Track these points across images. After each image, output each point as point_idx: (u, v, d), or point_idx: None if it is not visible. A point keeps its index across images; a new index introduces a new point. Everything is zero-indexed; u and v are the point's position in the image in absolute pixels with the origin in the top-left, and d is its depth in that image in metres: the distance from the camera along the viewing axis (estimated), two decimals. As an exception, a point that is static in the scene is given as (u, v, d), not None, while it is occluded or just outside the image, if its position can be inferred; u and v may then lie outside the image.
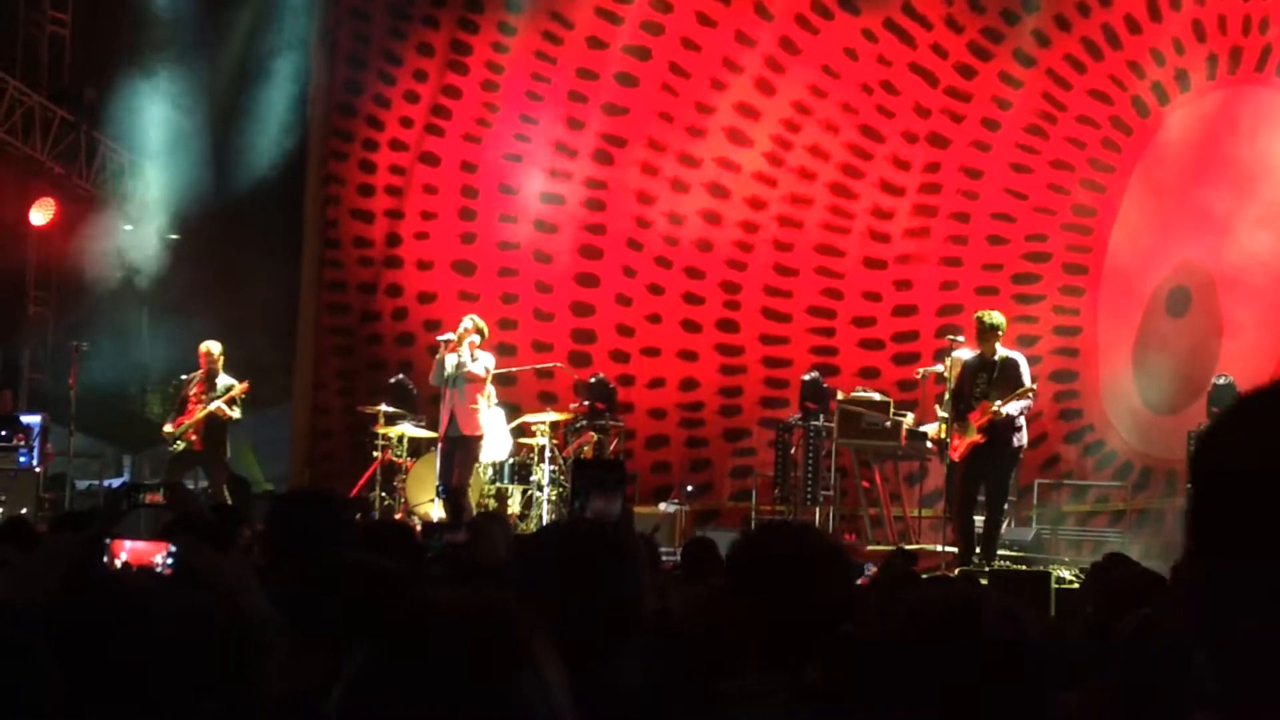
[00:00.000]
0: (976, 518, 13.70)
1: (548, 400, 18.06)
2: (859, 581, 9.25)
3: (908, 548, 14.22)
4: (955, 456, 13.76)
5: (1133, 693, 4.34)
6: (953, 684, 2.05)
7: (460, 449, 15.22)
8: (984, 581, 11.11)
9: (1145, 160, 17.44)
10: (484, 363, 15.27)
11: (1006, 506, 14.46)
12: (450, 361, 15.20)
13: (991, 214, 18.17)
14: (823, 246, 18.87)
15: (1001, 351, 13.58)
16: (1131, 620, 4.45)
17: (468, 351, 15.11)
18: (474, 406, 15.22)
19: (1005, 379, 13.43)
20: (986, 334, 13.60)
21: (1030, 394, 13.46)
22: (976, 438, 13.44)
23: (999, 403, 13.26)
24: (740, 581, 3.54)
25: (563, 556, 3.03)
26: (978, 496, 13.67)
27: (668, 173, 19.34)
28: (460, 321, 15.34)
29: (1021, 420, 13.53)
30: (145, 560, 5.81)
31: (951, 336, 14.28)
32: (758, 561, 3.53)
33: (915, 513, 16.48)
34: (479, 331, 15.21)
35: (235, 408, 15.66)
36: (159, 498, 10.47)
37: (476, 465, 15.58)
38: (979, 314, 13.90)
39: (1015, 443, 13.52)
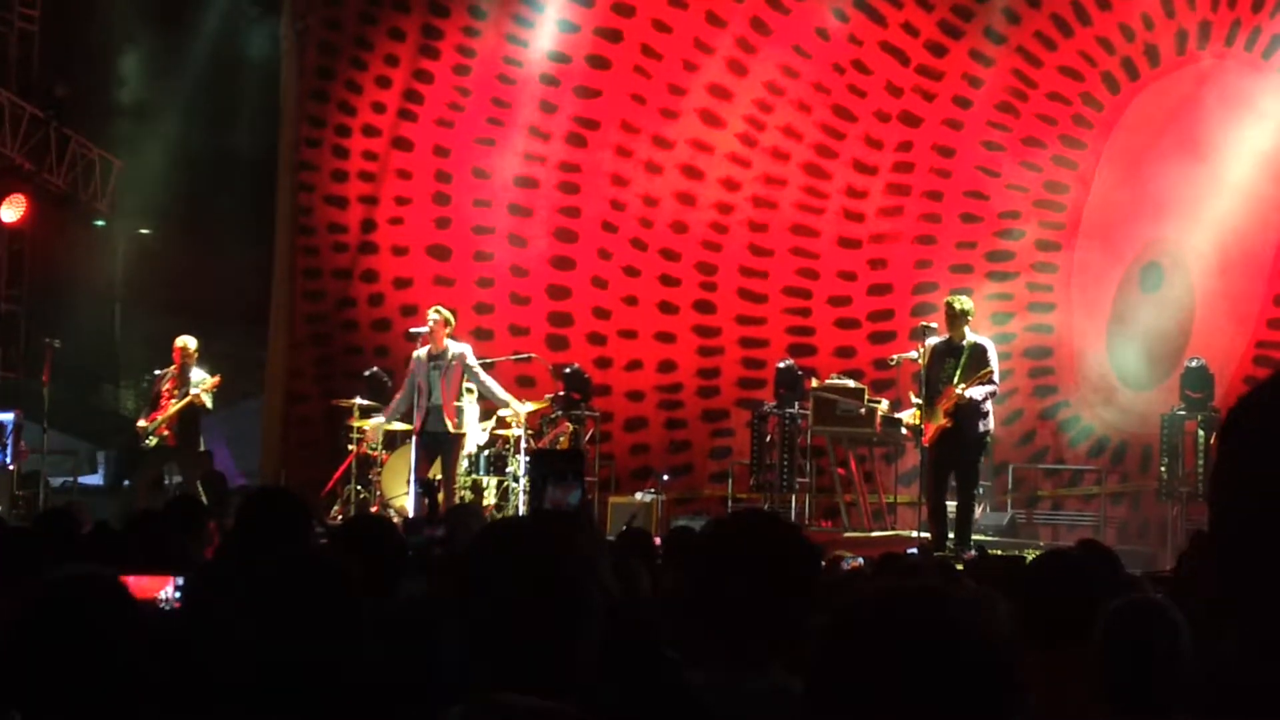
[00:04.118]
0: (949, 503, 13.64)
1: (525, 385, 17.96)
2: (850, 567, 9.23)
3: (878, 533, 14.17)
4: (926, 442, 13.70)
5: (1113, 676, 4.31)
6: (918, 683, 1.95)
7: (445, 445, 15.04)
8: (959, 567, 11.04)
9: (1117, 136, 17.38)
10: (471, 358, 15.11)
11: (980, 491, 14.39)
12: (422, 353, 15.08)
13: (965, 192, 18.09)
14: (797, 227, 18.77)
15: (970, 336, 13.53)
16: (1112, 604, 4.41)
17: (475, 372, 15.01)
18: (457, 403, 15.08)
19: (973, 364, 13.37)
20: (955, 319, 13.55)
21: (992, 377, 13.35)
22: (944, 422, 13.38)
23: (962, 386, 13.19)
24: (698, 571, 3.51)
25: (513, 544, 2.99)
26: (949, 482, 13.61)
27: (641, 155, 19.23)
28: (427, 316, 15.19)
29: (988, 406, 13.47)
30: (149, 595, 5.74)
31: (925, 323, 14.18)
32: (713, 552, 3.51)
33: (891, 498, 16.41)
34: (446, 322, 15.10)
35: (207, 399, 15.57)
36: None
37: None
38: (948, 299, 13.85)
39: (981, 428, 13.47)
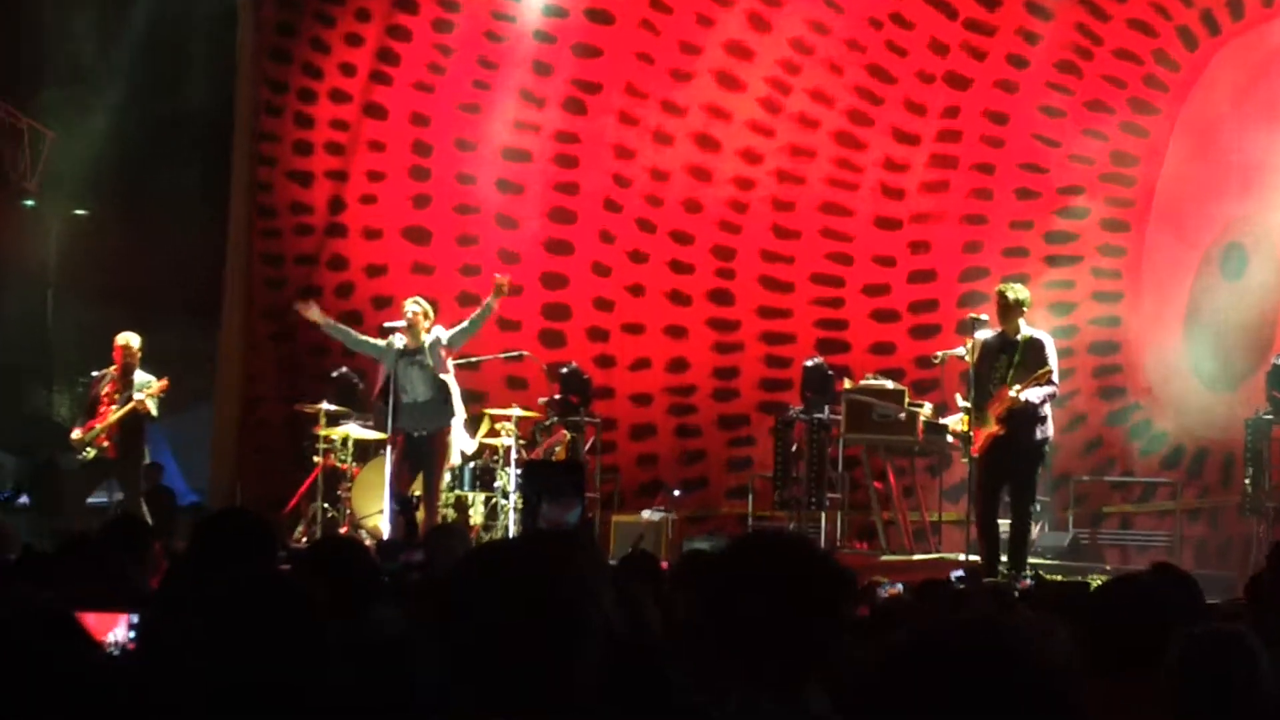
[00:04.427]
0: (1002, 522, 13.67)
1: (516, 387, 18.03)
2: (888, 595, 9.29)
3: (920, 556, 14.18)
4: (975, 452, 13.70)
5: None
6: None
7: (427, 452, 15.15)
8: (1016, 594, 11.10)
9: (1194, 100, 17.40)
10: (444, 333, 15.31)
11: (1037, 508, 14.42)
12: (398, 344, 15.19)
13: (1019, 164, 18.14)
14: (828, 205, 18.82)
15: (1025, 330, 13.55)
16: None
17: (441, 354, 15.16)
18: (443, 377, 15.18)
19: (1028, 361, 13.40)
20: (1009, 310, 13.57)
21: (1051, 377, 13.38)
22: (995, 429, 13.41)
23: (1017, 388, 13.22)
24: (715, 596, 3.58)
25: (501, 567, 3.04)
26: (1001, 497, 13.63)
27: (649, 123, 19.29)
28: (404, 309, 15.32)
29: (1047, 410, 13.49)
30: (98, 637, 5.74)
31: (974, 315, 14.21)
32: (732, 575, 3.59)
33: (935, 516, 16.45)
34: (426, 315, 15.25)
35: (152, 405, 15.57)
36: None
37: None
38: (1000, 287, 13.90)
39: (1039, 435, 13.49)
